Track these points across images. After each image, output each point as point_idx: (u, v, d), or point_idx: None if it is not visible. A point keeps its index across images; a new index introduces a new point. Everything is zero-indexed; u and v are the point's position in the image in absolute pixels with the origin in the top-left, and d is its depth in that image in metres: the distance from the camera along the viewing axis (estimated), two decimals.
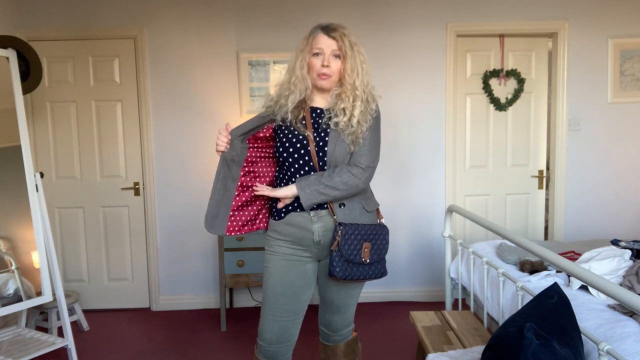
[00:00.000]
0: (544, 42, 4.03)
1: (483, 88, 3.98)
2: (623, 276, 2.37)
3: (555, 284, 1.82)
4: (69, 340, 2.92)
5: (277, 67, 3.79)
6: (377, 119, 1.95)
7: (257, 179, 2.01)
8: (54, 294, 2.96)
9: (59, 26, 3.72)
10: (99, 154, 3.86)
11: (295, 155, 1.91)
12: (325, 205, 1.91)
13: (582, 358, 1.63)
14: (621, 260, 2.43)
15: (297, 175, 1.91)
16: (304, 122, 1.93)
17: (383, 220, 2.06)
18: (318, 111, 1.95)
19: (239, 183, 1.97)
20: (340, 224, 1.88)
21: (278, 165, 2.02)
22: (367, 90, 1.92)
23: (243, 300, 3.98)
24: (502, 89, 3.99)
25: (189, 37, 3.77)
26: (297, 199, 1.90)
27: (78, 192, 3.88)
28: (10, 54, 2.93)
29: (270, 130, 1.99)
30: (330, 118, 1.91)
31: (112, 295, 3.95)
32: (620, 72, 3.89)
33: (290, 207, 1.93)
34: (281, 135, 1.94)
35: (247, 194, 1.99)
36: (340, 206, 1.92)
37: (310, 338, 2.78)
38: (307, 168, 1.91)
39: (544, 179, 4.11)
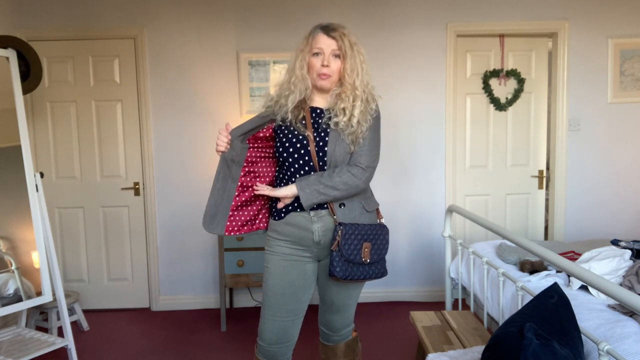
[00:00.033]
0: (544, 42, 4.03)
1: (483, 88, 3.98)
2: (623, 276, 2.37)
3: (555, 284, 1.82)
4: (69, 340, 2.92)
5: (277, 67, 3.79)
6: (377, 119, 1.95)
7: (257, 179, 2.01)
8: (54, 294, 2.96)
9: (59, 26, 3.72)
10: (99, 154, 3.86)
11: (295, 155, 1.91)
12: (325, 205, 1.91)
13: (582, 358, 1.63)
14: (621, 260, 2.43)
15: (297, 175, 1.91)
16: (304, 122, 1.93)
17: (383, 220, 2.07)
18: (318, 111, 1.95)
19: (239, 183, 1.97)
20: (340, 223, 1.88)
21: (278, 165, 2.02)
22: (367, 90, 1.92)
23: (243, 300, 3.98)
24: (502, 89, 3.99)
25: (189, 37, 3.78)
26: (297, 198, 1.90)
27: (78, 192, 3.88)
28: (10, 54, 2.93)
29: (270, 130, 1.99)
30: (330, 118, 1.91)
31: (112, 295, 3.95)
32: (620, 72, 3.89)
33: (290, 207, 1.93)
34: (281, 135, 1.94)
35: (247, 194, 1.99)
36: (340, 206, 1.92)
37: (310, 338, 2.78)
38: (307, 168, 1.91)
39: (544, 179, 4.11)
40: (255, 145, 2.00)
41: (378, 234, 1.95)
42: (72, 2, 3.72)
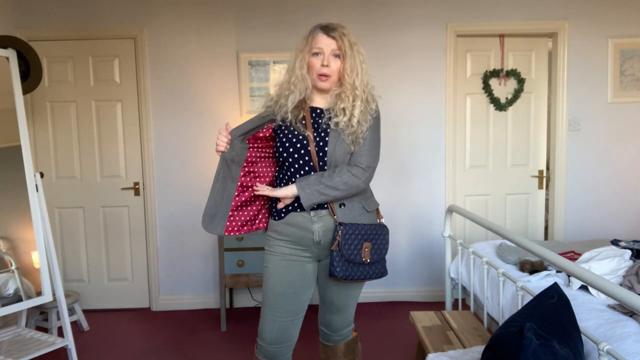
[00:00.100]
0: (544, 42, 4.03)
1: (483, 88, 3.98)
2: (623, 276, 2.37)
3: (555, 284, 1.82)
4: (69, 340, 2.92)
5: (277, 67, 3.79)
6: (377, 119, 1.95)
7: (257, 179, 2.01)
8: (54, 294, 2.96)
9: (59, 26, 3.72)
10: (99, 154, 3.86)
11: (296, 155, 1.91)
12: (326, 205, 1.91)
13: (582, 358, 1.63)
14: (621, 260, 2.43)
15: (297, 175, 1.91)
16: (303, 122, 1.93)
17: (383, 220, 2.07)
18: (318, 111, 1.95)
19: (239, 183, 1.97)
20: (340, 223, 1.88)
21: (278, 165, 2.02)
22: (367, 90, 1.92)
23: (243, 300, 3.98)
24: (502, 89, 3.99)
25: (189, 37, 3.78)
26: (297, 199, 1.90)
27: (78, 192, 3.88)
28: (10, 54, 2.93)
29: (270, 130, 1.99)
30: (330, 118, 1.91)
31: (112, 295, 3.95)
32: (620, 72, 3.89)
33: (290, 207, 1.93)
34: (281, 135, 1.94)
35: (246, 194, 1.99)
36: (340, 206, 1.92)
37: (310, 338, 2.78)
38: (307, 168, 1.91)
39: (544, 179, 4.11)
40: (255, 145, 2.00)
41: (378, 234, 1.95)
42: (72, 2, 3.72)
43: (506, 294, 2.45)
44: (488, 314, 2.63)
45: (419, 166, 3.93)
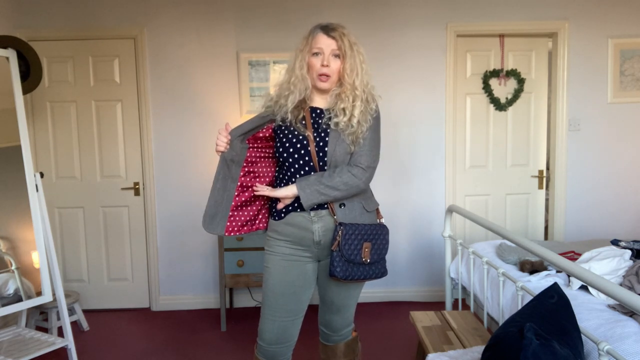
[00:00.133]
0: (544, 42, 4.03)
1: (483, 88, 3.98)
2: (623, 276, 2.37)
3: (555, 284, 1.82)
4: (69, 340, 2.92)
5: (277, 67, 3.79)
6: (377, 119, 1.95)
7: (257, 179, 2.01)
8: (54, 294, 2.96)
9: (59, 26, 3.72)
10: (99, 154, 3.86)
11: (296, 156, 1.91)
12: (326, 205, 1.91)
13: (582, 358, 1.63)
14: (621, 260, 2.43)
15: (297, 176, 1.91)
16: (303, 122, 1.93)
17: (383, 220, 2.07)
18: (318, 111, 1.95)
19: (239, 183, 1.97)
20: (340, 224, 1.88)
21: (278, 166, 2.02)
22: (366, 90, 1.91)
23: (243, 300, 3.98)
24: (502, 89, 3.99)
25: (189, 37, 3.78)
26: (297, 199, 1.90)
27: (78, 192, 3.88)
28: (10, 54, 2.93)
29: (270, 130, 1.99)
30: (330, 118, 1.91)
31: (112, 295, 3.95)
32: (620, 72, 3.89)
33: (290, 207, 1.93)
34: (281, 135, 1.94)
35: (246, 194, 1.99)
36: (340, 206, 1.92)
37: (310, 338, 2.78)
38: (307, 168, 1.91)
39: (544, 179, 4.11)
40: (255, 145, 2.00)
41: (378, 234, 1.95)
42: (72, 2, 3.72)
43: (506, 294, 2.45)
44: (488, 314, 2.63)
45: (419, 166, 3.93)
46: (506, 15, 3.83)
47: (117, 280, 3.96)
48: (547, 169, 4.12)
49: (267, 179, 2.04)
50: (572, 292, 2.30)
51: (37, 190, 2.91)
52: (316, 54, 1.88)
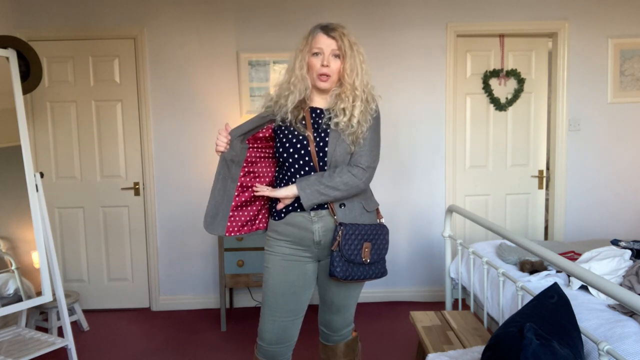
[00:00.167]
0: (544, 42, 4.03)
1: (483, 88, 3.98)
2: (623, 276, 2.37)
3: (555, 284, 1.82)
4: (69, 340, 2.92)
5: (277, 67, 3.79)
6: (377, 119, 1.95)
7: (257, 179, 2.01)
8: (54, 294, 2.96)
9: (59, 26, 3.72)
10: (99, 154, 3.86)
11: (296, 156, 1.91)
12: (326, 205, 1.91)
13: (582, 358, 1.63)
14: (621, 260, 2.43)
15: (297, 176, 1.91)
16: (303, 122, 1.93)
17: (383, 220, 2.07)
18: (318, 111, 1.95)
19: (239, 183, 1.97)
20: (340, 224, 1.88)
21: (278, 166, 2.02)
22: (366, 90, 1.91)
23: (243, 300, 3.98)
24: (502, 89, 3.99)
25: (189, 37, 3.78)
26: (297, 199, 1.90)
27: (78, 192, 3.88)
28: (10, 54, 2.93)
29: (270, 131, 1.99)
30: (330, 118, 1.91)
31: (112, 295, 3.95)
32: (620, 72, 3.89)
33: (290, 207, 1.93)
34: (281, 135, 1.94)
35: (246, 194, 1.99)
36: (340, 206, 1.92)
37: (310, 338, 2.78)
38: (307, 168, 1.91)
39: (544, 179, 4.11)
40: (255, 145, 2.00)
41: (378, 234, 1.95)
42: (72, 2, 3.72)
43: (506, 294, 2.45)
44: (488, 314, 2.63)
45: (419, 166, 3.93)
46: (506, 15, 3.83)
47: (117, 280, 3.96)
48: (547, 169, 4.12)
49: (267, 179, 2.04)
50: (572, 292, 2.30)
51: (37, 190, 2.91)
52: (316, 54, 1.88)
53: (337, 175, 1.86)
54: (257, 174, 2.01)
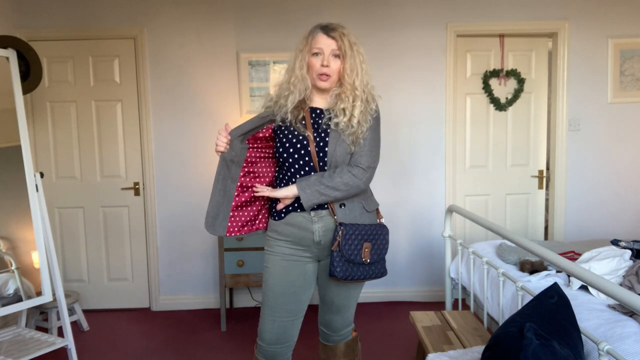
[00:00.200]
0: (544, 42, 4.03)
1: (483, 88, 3.98)
2: (623, 276, 2.37)
3: (555, 284, 1.82)
4: (69, 340, 2.92)
5: (277, 67, 3.79)
6: (377, 119, 1.95)
7: (257, 179, 2.01)
8: (54, 294, 2.96)
9: (59, 26, 3.72)
10: (99, 154, 3.86)
11: (296, 156, 1.91)
12: (326, 206, 1.91)
13: (582, 358, 1.63)
14: (621, 260, 2.43)
15: (298, 176, 1.91)
16: (303, 122, 1.93)
17: (383, 220, 2.07)
18: (318, 111, 1.95)
19: (239, 183, 1.97)
20: (340, 224, 1.88)
21: (278, 166, 2.02)
22: (366, 90, 1.91)
23: (243, 300, 3.98)
24: (502, 89, 3.99)
25: (189, 37, 3.78)
26: (297, 199, 1.90)
27: (78, 192, 3.88)
28: (10, 54, 2.93)
29: (270, 131, 1.99)
30: (330, 118, 1.91)
31: (112, 295, 3.95)
32: (620, 72, 3.89)
33: (290, 208, 1.93)
34: (281, 135, 1.94)
35: (246, 194, 1.99)
36: (340, 206, 1.92)
37: (310, 338, 2.78)
38: (307, 168, 1.91)
39: (544, 179, 4.11)
40: (255, 145, 2.00)
41: (378, 234, 1.95)
42: (72, 2, 3.72)
43: (506, 294, 2.45)
44: (488, 314, 2.63)
45: (419, 166, 3.93)
46: (506, 15, 3.83)
47: (117, 280, 3.96)
48: (547, 169, 4.12)
49: (267, 179, 2.04)
50: (572, 292, 2.30)
51: (37, 190, 2.91)
52: (316, 54, 1.88)
53: (338, 176, 1.86)
54: (257, 174, 2.01)
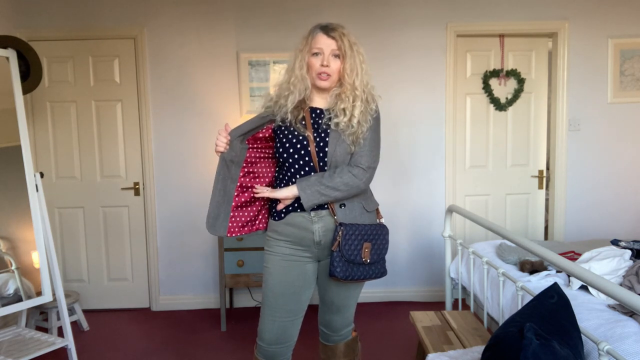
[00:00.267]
0: (544, 42, 4.03)
1: (483, 88, 3.98)
2: (623, 276, 2.37)
3: (555, 284, 1.82)
4: (69, 340, 2.92)
5: (277, 67, 3.79)
6: (377, 119, 1.95)
7: (257, 180, 2.01)
8: (54, 294, 2.96)
9: (59, 26, 3.72)
10: (99, 154, 3.86)
11: (296, 156, 1.91)
12: (326, 206, 1.91)
13: (582, 358, 1.63)
14: (621, 260, 2.43)
15: (298, 176, 1.91)
16: (303, 122, 1.93)
17: (382, 220, 2.07)
18: (318, 111, 1.95)
19: (238, 184, 1.97)
20: (340, 224, 1.88)
21: (278, 166, 2.02)
22: (366, 90, 1.91)
23: (243, 300, 3.98)
24: (502, 89, 3.99)
25: (189, 37, 3.78)
26: (297, 199, 1.90)
27: (78, 192, 3.88)
28: (10, 54, 2.93)
29: (270, 131, 1.99)
30: (330, 118, 1.91)
31: (112, 295, 3.95)
32: (620, 72, 3.89)
33: (290, 208, 1.93)
34: (281, 135, 1.94)
35: (246, 194, 1.99)
36: (340, 206, 1.92)
37: (310, 338, 2.78)
38: (307, 168, 1.91)
39: (544, 179, 4.10)
40: (255, 145, 2.00)
41: (378, 234, 1.95)
42: (72, 2, 3.72)
43: (506, 294, 2.45)
44: (488, 314, 2.63)
45: (419, 166, 3.93)
46: (506, 15, 3.83)
47: (117, 280, 3.96)
48: (547, 169, 4.12)
49: (267, 180, 2.04)
50: (572, 292, 2.30)
51: (37, 190, 2.91)
52: (316, 54, 1.88)
53: (338, 176, 1.86)
54: (256, 174, 2.01)
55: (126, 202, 3.90)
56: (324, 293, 2.05)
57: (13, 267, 2.85)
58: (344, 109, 1.87)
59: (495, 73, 3.96)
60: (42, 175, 2.97)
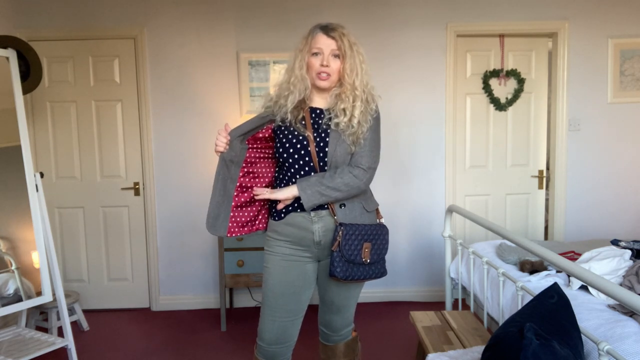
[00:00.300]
0: (544, 42, 4.03)
1: (483, 88, 3.98)
2: (623, 276, 2.37)
3: (555, 284, 1.82)
4: (69, 340, 2.92)
5: (277, 67, 3.79)
6: (377, 119, 1.95)
7: (256, 180, 2.01)
8: (54, 294, 2.96)
9: (59, 26, 3.72)
10: (99, 154, 3.86)
11: (296, 156, 1.91)
12: (326, 206, 1.91)
13: (582, 358, 1.63)
14: (621, 260, 2.43)
15: (298, 176, 1.91)
16: (303, 122, 1.93)
17: (382, 220, 2.07)
18: (318, 111, 1.95)
19: (238, 184, 1.97)
20: (340, 224, 1.88)
21: (278, 166, 2.02)
22: (366, 90, 1.91)
23: (243, 300, 3.98)
24: (502, 89, 3.99)
25: (189, 37, 3.78)
26: (297, 199, 1.90)
27: (78, 192, 3.88)
28: (10, 54, 2.93)
29: (270, 131, 1.99)
30: (330, 118, 1.91)
31: (112, 295, 3.95)
32: (620, 72, 3.89)
33: (290, 208, 1.93)
34: (281, 135, 1.94)
35: (246, 194, 1.99)
36: (340, 206, 1.92)
37: (310, 338, 2.78)
38: (307, 168, 1.91)
39: (544, 179, 4.10)
40: (255, 145, 1.99)
41: (378, 234, 1.95)
42: (72, 2, 3.72)
43: (506, 294, 2.45)
44: (488, 314, 2.63)
45: (419, 166, 3.93)
46: (506, 15, 3.83)
47: (117, 280, 3.96)
48: (547, 169, 4.12)
49: (267, 180, 2.04)
50: (572, 292, 2.30)
51: (37, 190, 2.91)
52: (316, 54, 1.88)
53: (338, 176, 1.86)
54: (256, 174, 2.01)
55: (126, 202, 3.90)
56: (324, 293, 2.05)
57: (13, 267, 2.85)
58: (344, 109, 1.87)
59: (495, 73, 3.96)
60: (42, 175, 2.97)
